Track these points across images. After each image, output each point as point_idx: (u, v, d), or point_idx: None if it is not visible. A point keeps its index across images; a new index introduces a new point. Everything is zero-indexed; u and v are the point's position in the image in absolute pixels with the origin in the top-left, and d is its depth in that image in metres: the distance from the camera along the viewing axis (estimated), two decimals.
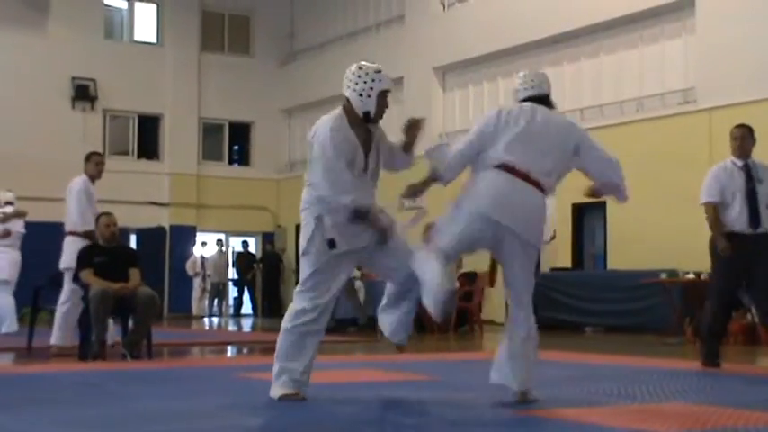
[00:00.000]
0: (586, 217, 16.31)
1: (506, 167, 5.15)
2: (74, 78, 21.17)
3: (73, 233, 9.33)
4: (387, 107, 5.38)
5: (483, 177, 5.21)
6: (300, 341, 5.25)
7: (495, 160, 5.18)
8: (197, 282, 22.02)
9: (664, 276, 12.64)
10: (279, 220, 23.18)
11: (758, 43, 13.44)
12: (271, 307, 21.93)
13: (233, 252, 23.27)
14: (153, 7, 22.93)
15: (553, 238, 15.82)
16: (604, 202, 15.37)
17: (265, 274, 22.75)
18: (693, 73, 14.54)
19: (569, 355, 9.16)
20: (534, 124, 5.26)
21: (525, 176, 5.13)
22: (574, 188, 5.71)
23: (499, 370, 5.23)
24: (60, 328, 9.29)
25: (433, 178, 5.32)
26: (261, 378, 5.89)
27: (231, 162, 24.15)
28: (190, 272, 21.87)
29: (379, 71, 5.32)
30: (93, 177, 9.50)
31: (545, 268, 16.25)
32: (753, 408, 4.96)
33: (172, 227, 22.17)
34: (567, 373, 7.17)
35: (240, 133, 23.95)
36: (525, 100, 5.43)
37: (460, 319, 14.70)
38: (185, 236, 22.22)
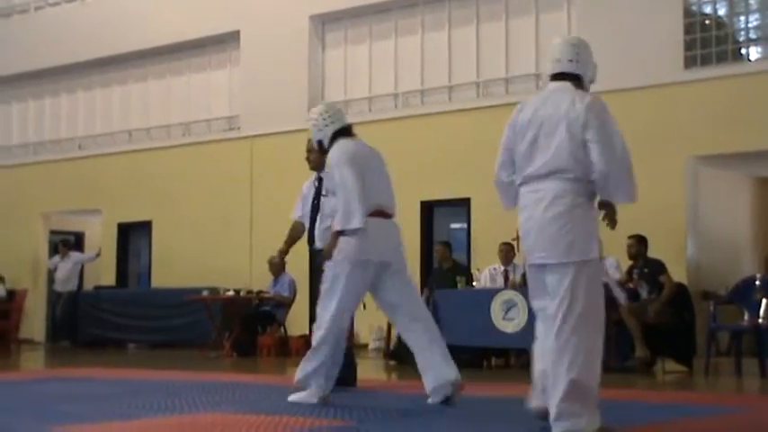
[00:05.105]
0: (132, 235, 16.46)
1: None
2: None
3: None
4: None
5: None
6: None
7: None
8: None
9: (206, 294, 13.15)
10: None
11: (295, 76, 14.56)
12: None
13: None
14: None
15: (98, 255, 15.86)
16: (150, 221, 15.74)
17: None
18: (237, 102, 15.40)
19: (113, 372, 9.25)
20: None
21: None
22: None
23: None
24: None
25: None
26: None
27: None
28: None
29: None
30: None
31: (88, 286, 16.21)
32: (282, 413, 5.37)
33: None
34: (110, 390, 7.11)
35: None
36: (335, 135, 6.05)
37: None
38: None
